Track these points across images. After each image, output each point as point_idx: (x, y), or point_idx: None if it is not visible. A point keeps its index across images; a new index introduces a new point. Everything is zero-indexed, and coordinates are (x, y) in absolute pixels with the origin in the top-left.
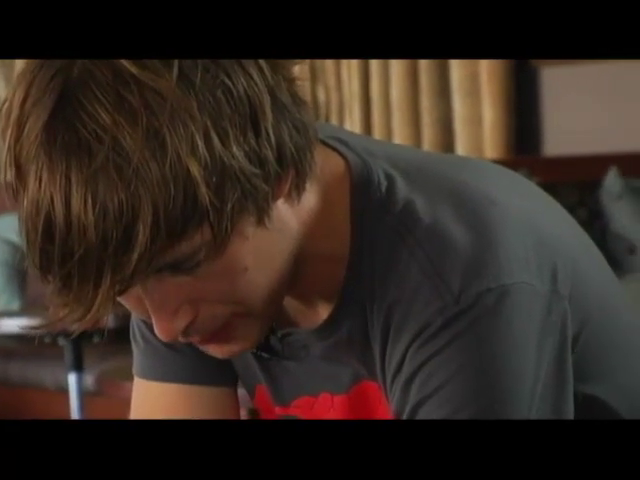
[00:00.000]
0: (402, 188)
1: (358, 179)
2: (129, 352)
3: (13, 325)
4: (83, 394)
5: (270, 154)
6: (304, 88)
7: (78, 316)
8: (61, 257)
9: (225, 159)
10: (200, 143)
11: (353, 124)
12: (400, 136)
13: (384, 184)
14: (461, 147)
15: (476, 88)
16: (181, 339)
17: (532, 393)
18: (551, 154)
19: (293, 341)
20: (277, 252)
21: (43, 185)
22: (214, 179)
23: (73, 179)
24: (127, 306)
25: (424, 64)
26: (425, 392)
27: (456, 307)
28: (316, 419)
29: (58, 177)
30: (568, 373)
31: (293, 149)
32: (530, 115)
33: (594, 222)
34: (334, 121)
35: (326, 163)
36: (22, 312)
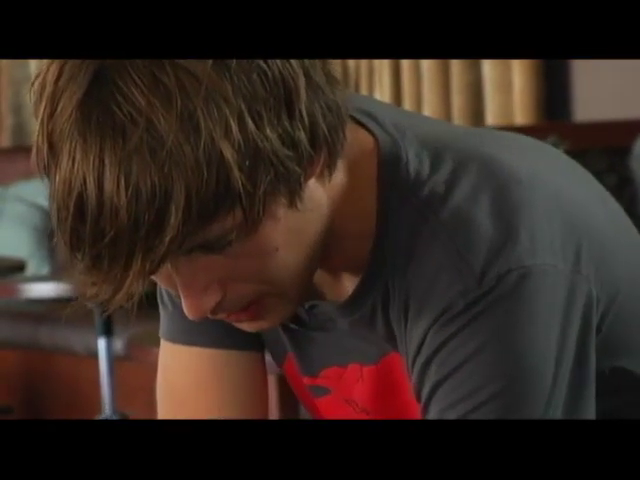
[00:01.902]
0: (429, 168)
1: (386, 157)
2: (159, 317)
3: (43, 290)
4: (113, 359)
5: (303, 136)
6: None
7: (107, 296)
8: (92, 237)
9: (259, 142)
10: (234, 126)
11: (383, 91)
12: (429, 103)
13: (412, 164)
14: (491, 113)
15: None
16: (209, 316)
17: (554, 376)
18: (581, 120)
19: (319, 313)
20: (308, 231)
21: (76, 165)
22: (247, 162)
23: (107, 160)
24: (156, 281)
25: None
26: (443, 373)
27: (478, 290)
28: (344, 390)
29: (92, 158)
30: (590, 360)
31: (326, 130)
32: (560, 81)
33: (624, 188)
34: (364, 88)
35: (354, 140)
36: (52, 277)
